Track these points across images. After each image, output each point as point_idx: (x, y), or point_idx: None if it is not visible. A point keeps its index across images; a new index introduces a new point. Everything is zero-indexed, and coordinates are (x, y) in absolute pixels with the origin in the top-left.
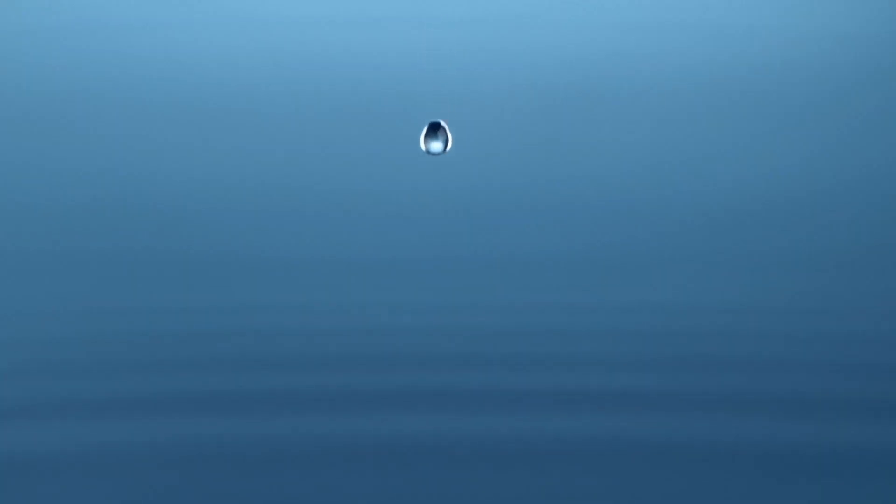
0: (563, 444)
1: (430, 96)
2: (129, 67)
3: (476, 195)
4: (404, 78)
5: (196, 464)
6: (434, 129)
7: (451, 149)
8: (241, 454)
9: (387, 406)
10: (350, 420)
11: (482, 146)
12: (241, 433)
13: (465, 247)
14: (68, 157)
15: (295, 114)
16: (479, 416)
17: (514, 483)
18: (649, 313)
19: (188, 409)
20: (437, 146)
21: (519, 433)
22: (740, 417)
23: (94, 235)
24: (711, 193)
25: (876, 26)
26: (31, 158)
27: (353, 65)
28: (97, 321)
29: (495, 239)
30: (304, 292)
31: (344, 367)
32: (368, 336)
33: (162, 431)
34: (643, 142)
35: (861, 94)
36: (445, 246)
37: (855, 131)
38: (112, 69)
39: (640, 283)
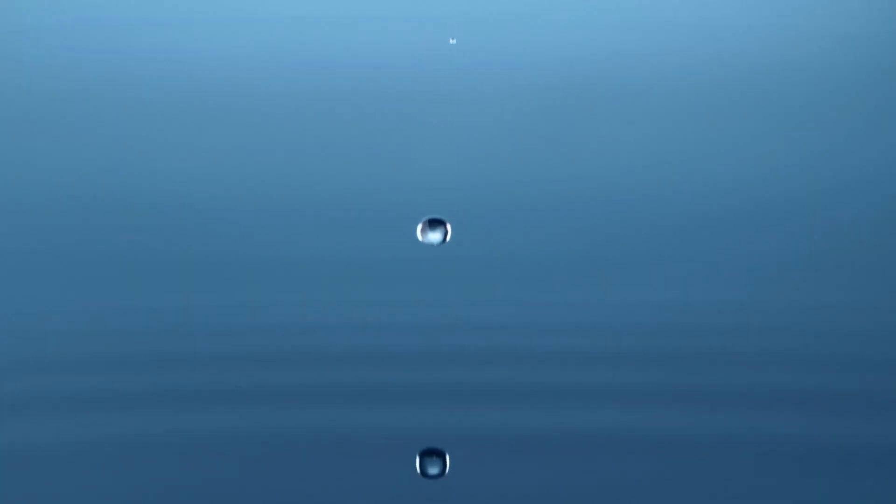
0: (564, 439)
1: (431, 96)
2: (129, 67)
3: (476, 194)
4: (404, 78)
5: (195, 458)
6: (434, 223)
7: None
8: (241, 449)
9: (388, 403)
10: (350, 417)
11: (482, 146)
12: (240, 429)
13: (465, 245)
14: (68, 157)
15: (295, 114)
16: (480, 412)
17: (517, 478)
18: (649, 311)
19: (187, 405)
20: (435, 237)
21: (521, 430)
22: (741, 413)
23: (94, 235)
24: (711, 193)
25: (876, 26)
26: (31, 158)
27: (353, 65)
28: (96, 319)
29: (495, 238)
30: (303, 291)
31: (343, 364)
32: (368, 334)
33: (161, 427)
34: (643, 141)
35: (861, 94)
36: (445, 245)
37: (855, 131)
38: (112, 69)
39: (639, 282)
